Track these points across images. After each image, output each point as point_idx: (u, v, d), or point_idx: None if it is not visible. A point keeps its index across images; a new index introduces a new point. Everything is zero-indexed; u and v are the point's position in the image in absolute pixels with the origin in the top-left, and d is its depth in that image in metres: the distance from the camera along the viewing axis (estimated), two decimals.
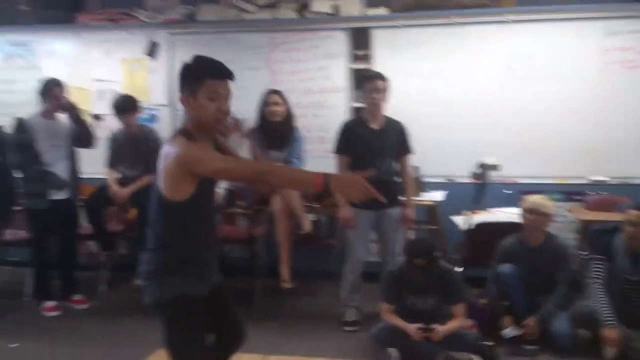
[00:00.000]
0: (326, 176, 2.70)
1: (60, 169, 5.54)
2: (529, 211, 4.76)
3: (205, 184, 2.88)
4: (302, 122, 6.09)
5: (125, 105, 5.68)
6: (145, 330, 5.08)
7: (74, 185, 5.64)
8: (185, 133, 2.87)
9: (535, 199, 4.83)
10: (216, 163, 2.81)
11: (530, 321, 4.65)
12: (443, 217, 5.62)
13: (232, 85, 2.90)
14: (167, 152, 2.83)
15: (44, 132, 5.49)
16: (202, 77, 2.82)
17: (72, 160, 5.64)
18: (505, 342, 4.66)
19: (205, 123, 2.87)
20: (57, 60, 6.74)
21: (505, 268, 4.84)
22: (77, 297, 5.77)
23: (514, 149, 5.90)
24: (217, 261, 3.15)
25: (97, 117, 6.52)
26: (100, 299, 5.90)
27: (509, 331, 4.65)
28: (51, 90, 5.45)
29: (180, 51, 6.45)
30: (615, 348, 4.40)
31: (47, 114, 5.51)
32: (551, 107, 5.87)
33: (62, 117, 5.61)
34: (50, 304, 5.61)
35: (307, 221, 5.36)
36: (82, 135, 5.57)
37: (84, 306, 5.73)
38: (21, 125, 5.49)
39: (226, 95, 2.88)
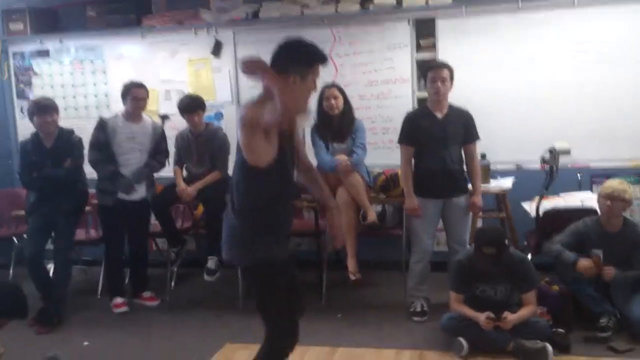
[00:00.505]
0: None
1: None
2: (608, 198, 4.59)
3: (280, 148, 3.01)
4: (367, 114, 6.16)
5: (191, 105, 5.72)
6: (215, 326, 5.19)
7: (150, 187, 5.73)
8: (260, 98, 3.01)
9: (613, 184, 4.63)
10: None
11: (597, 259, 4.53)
12: (513, 204, 5.50)
13: None
14: (239, 115, 3.01)
15: (123, 134, 5.61)
16: (314, 62, 3.03)
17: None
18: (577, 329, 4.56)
19: (300, 103, 3.06)
20: (125, 63, 6.88)
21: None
22: (147, 294, 5.86)
23: (585, 132, 5.75)
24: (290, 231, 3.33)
25: (164, 117, 6.63)
26: (170, 296, 5.94)
27: None
28: (130, 92, 5.58)
29: (244, 49, 6.48)
30: None
31: (129, 115, 5.64)
32: (622, 89, 5.71)
33: (146, 121, 5.74)
34: (118, 300, 5.71)
35: (372, 212, 5.33)
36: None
37: (155, 303, 5.81)
38: (101, 125, 5.63)
39: None
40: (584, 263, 4.54)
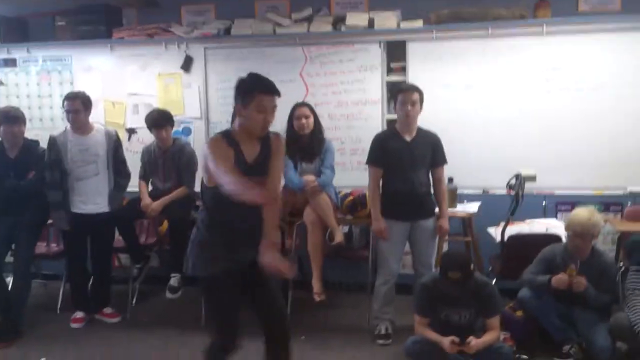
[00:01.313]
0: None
1: (92, 184, 5.53)
2: (578, 236, 4.59)
3: (239, 169, 3.31)
4: (336, 135, 6.16)
5: (159, 120, 5.67)
6: (176, 345, 5.11)
7: (113, 199, 5.58)
8: (226, 134, 3.43)
9: (582, 220, 4.57)
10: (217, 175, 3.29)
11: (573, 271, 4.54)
12: (479, 229, 5.53)
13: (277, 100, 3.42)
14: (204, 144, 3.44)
15: (74, 148, 5.50)
16: (253, 91, 3.32)
17: (111, 174, 5.59)
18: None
19: (252, 130, 3.39)
20: (93, 75, 6.79)
21: (526, 292, 4.76)
22: (108, 310, 5.75)
23: (551, 160, 5.81)
24: (254, 244, 3.39)
25: (131, 131, 6.57)
26: (131, 313, 5.84)
27: None
28: (64, 105, 5.51)
29: (215, 65, 6.50)
30: None
31: (74, 128, 5.53)
32: (589, 118, 5.79)
33: (98, 130, 5.61)
34: (78, 315, 5.64)
35: (339, 233, 5.32)
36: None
37: (115, 320, 5.71)
38: (50, 143, 5.53)
39: (272, 109, 3.39)
40: (557, 277, 4.56)
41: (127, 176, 5.73)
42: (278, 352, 3.62)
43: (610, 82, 5.74)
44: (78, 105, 5.44)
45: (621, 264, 4.96)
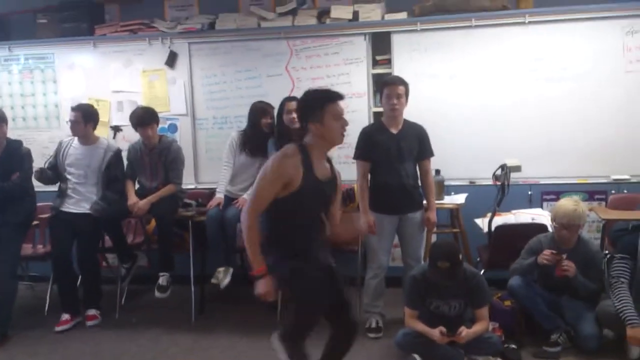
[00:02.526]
0: (264, 274, 3.34)
1: (77, 191, 5.59)
2: (564, 227, 4.64)
3: (308, 185, 3.35)
4: None
5: (144, 119, 5.62)
6: (165, 344, 5.08)
7: (96, 207, 5.55)
8: (303, 149, 3.42)
9: (568, 211, 4.61)
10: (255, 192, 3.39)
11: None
12: (466, 220, 5.55)
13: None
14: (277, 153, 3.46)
15: (72, 156, 5.63)
16: (323, 105, 3.36)
17: (99, 187, 5.64)
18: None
19: (333, 140, 3.46)
20: (77, 72, 6.76)
21: (516, 280, 4.78)
22: (91, 312, 5.67)
23: (536, 149, 5.86)
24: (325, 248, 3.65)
25: (116, 128, 6.53)
26: (120, 313, 5.81)
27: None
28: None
29: (200, 60, 6.48)
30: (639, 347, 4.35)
31: (78, 139, 5.65)
32: (572, 107, 5.84)
33: (101, 143, 5.70)
34: (62, 318, 5.55)
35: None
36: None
37: (95, 322, 5.62)
38: (57, 147, 5.75)
39: (343, 113, 3.44)
40: (543, 253, 4.59)
41: (119, 193, 5.71)
42: (342, 348, 3.85)
43: (593, 71, 5.80)
44: (78, 117, 5.56)
45: (606, 252, 5.00)
